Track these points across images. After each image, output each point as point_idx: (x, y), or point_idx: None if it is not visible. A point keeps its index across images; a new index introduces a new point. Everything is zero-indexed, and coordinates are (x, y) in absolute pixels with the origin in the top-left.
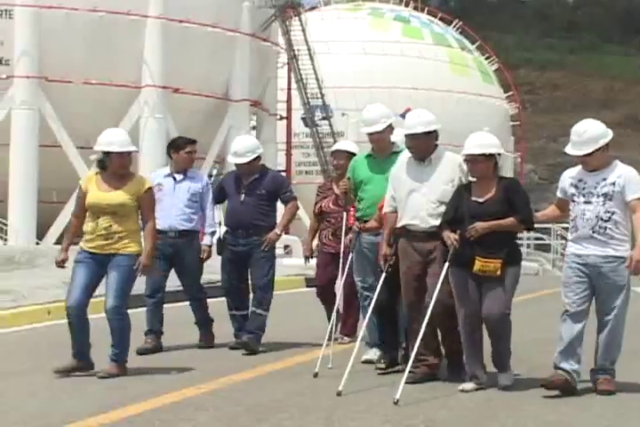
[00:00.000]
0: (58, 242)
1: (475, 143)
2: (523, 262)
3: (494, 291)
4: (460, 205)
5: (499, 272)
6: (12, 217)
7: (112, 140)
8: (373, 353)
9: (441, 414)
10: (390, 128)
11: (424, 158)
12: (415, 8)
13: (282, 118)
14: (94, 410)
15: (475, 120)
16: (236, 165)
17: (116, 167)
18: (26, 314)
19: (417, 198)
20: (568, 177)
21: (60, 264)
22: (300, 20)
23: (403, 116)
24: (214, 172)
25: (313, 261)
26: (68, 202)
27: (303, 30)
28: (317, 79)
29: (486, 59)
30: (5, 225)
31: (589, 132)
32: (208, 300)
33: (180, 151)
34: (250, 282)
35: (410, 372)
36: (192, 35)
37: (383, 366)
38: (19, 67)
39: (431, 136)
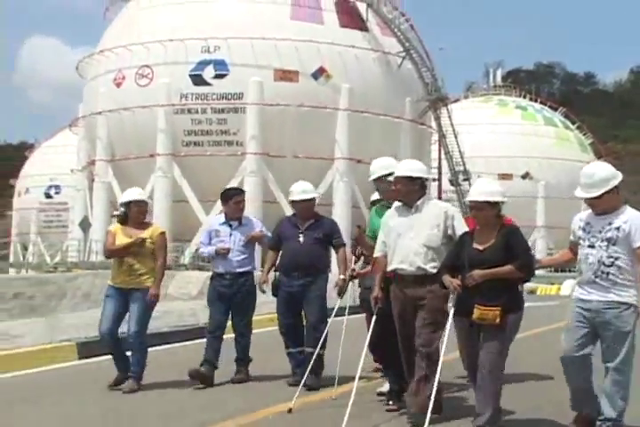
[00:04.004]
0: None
1: (480, 190)
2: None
3: (491, 339)
4: (462, 252)
5: (497, 320)
6: None
7: (132, 193)
8: (387, 386)
9: None
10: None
11: (411, 205)
12: (530, 99)
13: (434, 180)
14: (228, 413)
15: (574, 181)
16: (292, 204)
17: (134, 214)
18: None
19: (405, 243)
20: (578, 220)
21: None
22: (447, 109)
23: (523, 177)
24: None
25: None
26: None
27: (449, 116)
28: (460, 151)
29: (583, 135)
30: None
31: (598, 175)
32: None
33: (229, 201)
34: (304, 319)
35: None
36: (369, 121)
37: (389, 403)
38: (249, 146)
39: (414, 182)
